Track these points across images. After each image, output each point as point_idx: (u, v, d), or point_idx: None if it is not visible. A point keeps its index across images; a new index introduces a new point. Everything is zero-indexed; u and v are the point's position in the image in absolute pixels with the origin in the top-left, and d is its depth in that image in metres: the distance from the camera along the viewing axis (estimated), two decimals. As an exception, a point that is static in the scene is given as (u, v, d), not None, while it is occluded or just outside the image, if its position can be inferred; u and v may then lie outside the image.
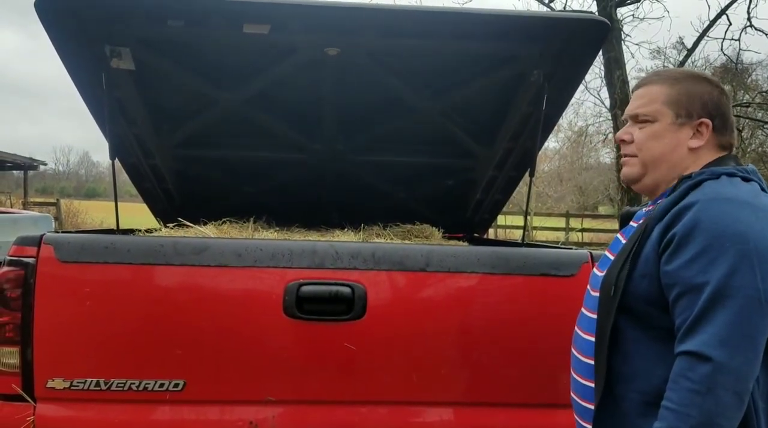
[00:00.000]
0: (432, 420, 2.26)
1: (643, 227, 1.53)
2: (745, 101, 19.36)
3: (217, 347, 2.15)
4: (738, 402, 1.32)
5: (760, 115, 20.01)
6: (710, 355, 1.31)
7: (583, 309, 1.72)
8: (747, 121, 19.68)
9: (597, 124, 26.16)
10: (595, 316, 1.59)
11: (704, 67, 20.21)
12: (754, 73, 22.66)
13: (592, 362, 1.57)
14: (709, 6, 22.36)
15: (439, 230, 3.74)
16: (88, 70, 2.81)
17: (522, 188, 3.89)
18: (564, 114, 4.46)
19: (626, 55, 14.27)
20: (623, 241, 1.71)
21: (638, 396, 1.48)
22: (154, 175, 3.55)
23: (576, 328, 1.72)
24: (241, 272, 2.16)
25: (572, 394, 1.70)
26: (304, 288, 2.17)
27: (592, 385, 1.57)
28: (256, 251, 2.18)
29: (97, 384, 2.13)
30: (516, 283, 2.26)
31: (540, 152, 3.39)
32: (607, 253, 1.75)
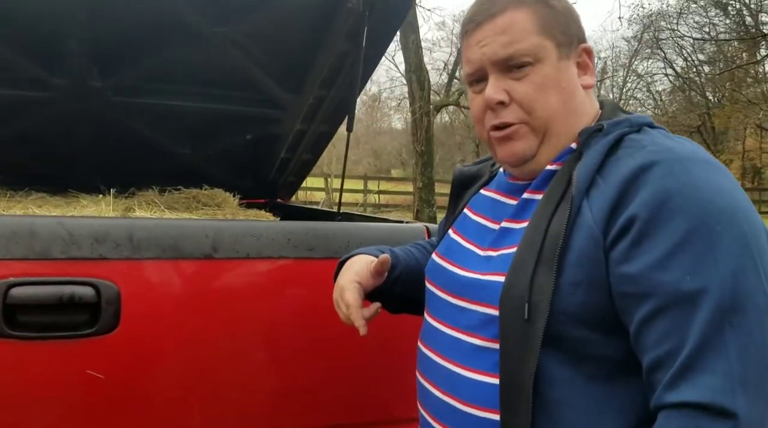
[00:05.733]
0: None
1: (552, 208, 0.99)
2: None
3: None
4: None
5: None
6: (732, 408, 0.83)
7: (436, 323, 1.15)
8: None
9: (390, 89, 27.13)
10: (485, 344, 1.03)
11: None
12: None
13: (488, 415, 1.00)
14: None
15: (234, 196, 3.04)
16: None
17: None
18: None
19: (420, 20, 14.45)
20: (480, 220, 1.18)
21: None
22: None
23: (433, 353, 1.15)
24: None
25: None
26: (16, 291, 1.38)
27: None
28: (-75, 234, 1.34)
29: None
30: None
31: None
32: (454, 236, 1.21)
